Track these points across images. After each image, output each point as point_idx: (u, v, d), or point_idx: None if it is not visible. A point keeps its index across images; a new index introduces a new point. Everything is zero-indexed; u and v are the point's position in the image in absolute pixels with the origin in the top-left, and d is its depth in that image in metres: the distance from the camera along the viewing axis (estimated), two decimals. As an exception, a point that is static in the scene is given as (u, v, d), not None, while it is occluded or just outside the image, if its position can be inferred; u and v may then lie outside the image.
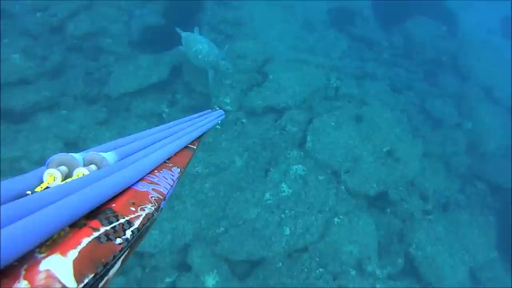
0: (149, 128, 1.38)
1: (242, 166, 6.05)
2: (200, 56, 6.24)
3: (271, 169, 6.09)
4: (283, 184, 5.92)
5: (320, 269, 5.47)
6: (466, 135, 8.41)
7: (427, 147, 7.43)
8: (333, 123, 6.73)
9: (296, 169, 6.11)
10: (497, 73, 10.19)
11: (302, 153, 6.35)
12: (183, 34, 6.48)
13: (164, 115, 6.59)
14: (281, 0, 9.42)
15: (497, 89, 9.78)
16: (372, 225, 6.01)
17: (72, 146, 5.97)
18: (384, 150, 6.67)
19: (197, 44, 6.26)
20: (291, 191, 5.87)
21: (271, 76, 7.13)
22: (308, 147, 6.36)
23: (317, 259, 5.53)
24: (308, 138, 6.45)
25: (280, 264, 5.45)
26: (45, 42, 7.11)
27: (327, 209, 5.83)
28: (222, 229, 5.53)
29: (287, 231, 5.55)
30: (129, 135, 1.23)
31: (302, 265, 5.47)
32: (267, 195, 5.81)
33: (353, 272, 5.62)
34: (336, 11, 10.01)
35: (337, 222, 5.82)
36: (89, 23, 7.28)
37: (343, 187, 6.14)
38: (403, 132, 7.10)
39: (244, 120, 6.56)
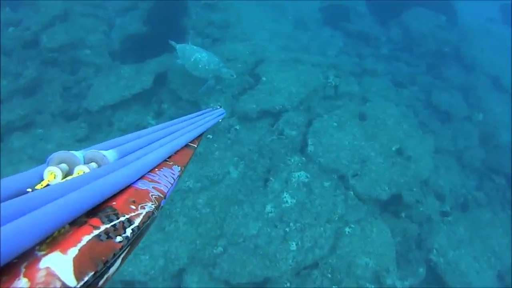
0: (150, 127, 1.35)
1: (238, 177, 5.48)
2: (200, 65, 5.87)
3: (271, 178, 5.53)
4: (285, 194, 5.35)
5: (333, 287, 4.86)
6: (478, 127, 7.86)
7: (437, 143, 6.89)
8: (335, 124, 6.20)
9: (298, 176, 5.55)
10: (501, 61, 9.73)
11: (303, 158, 5.80)
12: (178, 46, 6.08)
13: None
14: (270, 0, 8.97)
15: (503, 77, 9.28)
16: (387, 232, 5.42)
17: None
18: (393, 148, 6.12)
19: (195, 53, 5.89)
20: (294, 201, 5.30)
21: (264, 78, 6.61)
22: (310, 151, 5.82)
23: (329, 275, 4.92)
24: (309, 142, 5.93)
25: (288, 284, 4.85)
26: (19, 58, 6.61)
27: (336, 218, 5.26)
28: (220, 249, 4.94)
29: (293, 246, 4.96)
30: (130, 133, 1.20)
31: (313, 284, 4.88)
32: (268, 208, 5.24)
33: (371, 287, 4.99)
34: (329, 8, 9.58)
35: (348, 232, 5.22)
36: (65, 35, 6.78)
37: (351, 193, 5.57)
38: (411, 128, 6.57)
39: (237, 127, 6.02)
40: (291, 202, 5.30)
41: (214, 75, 5.98)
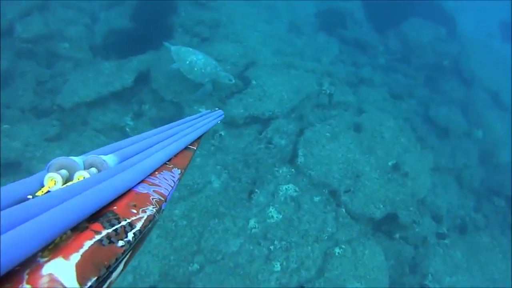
0: (144, 132, 1.35)
1: (220, 188, 5.03)
2: (196, 68, 5.55)
3: (256, 190, 5.10)
4: (271, 208, 4.92)
5: (319, 314, 4.39)
6: (477, 144, 7.50)
7: (436, 160, 6.49)
8: (328, 134, 5.79)
9: (286, 189, 5.13)
10: (501, 77, 9.43)
11: (292, 170, 5.39)
12: (173, 48, 5.75)
13: (127, 129, 5.56)
14: (264, 0, 8.57)
15: (503, 94, 8.98)
16: (381, 254, 5.00)
17: (13, 167, 4.90)
18: (389, 164, 5.73)
19: (191, 55, 5.58)
20: (280, 216, 4.87)
21: (254, 82, 6.20)
22: (300, 162, 5.42)
23: (316, 301, 4.45)
24: (300, 152, 5.53)
25: (270, 310, 4.36)
26: (-9, 48, 6.08)
27: (326, 238, 4.85)
28: (196, 266, 4.49)
29: (278, 267, 4.53)
30: (128, 137, 1.20)
31: (297, 310, 4.39)
32: (252, 223, 4.81)
33: (361, 316, 4.55)
34: (325, 13, 9.24)
35: (338, 253, 4.79)
36: (42, 25, 6.28)
37: (343, 210, 5.17)
38: (409, 142, 6.18)
39: (222, 133, 5.58)
40: (277, 217, 4.85)
41: (210, 78, 5.63)
